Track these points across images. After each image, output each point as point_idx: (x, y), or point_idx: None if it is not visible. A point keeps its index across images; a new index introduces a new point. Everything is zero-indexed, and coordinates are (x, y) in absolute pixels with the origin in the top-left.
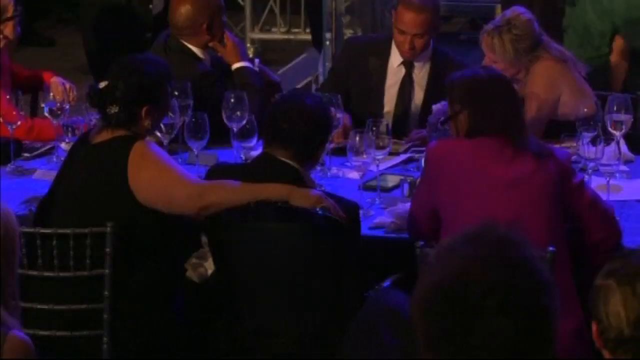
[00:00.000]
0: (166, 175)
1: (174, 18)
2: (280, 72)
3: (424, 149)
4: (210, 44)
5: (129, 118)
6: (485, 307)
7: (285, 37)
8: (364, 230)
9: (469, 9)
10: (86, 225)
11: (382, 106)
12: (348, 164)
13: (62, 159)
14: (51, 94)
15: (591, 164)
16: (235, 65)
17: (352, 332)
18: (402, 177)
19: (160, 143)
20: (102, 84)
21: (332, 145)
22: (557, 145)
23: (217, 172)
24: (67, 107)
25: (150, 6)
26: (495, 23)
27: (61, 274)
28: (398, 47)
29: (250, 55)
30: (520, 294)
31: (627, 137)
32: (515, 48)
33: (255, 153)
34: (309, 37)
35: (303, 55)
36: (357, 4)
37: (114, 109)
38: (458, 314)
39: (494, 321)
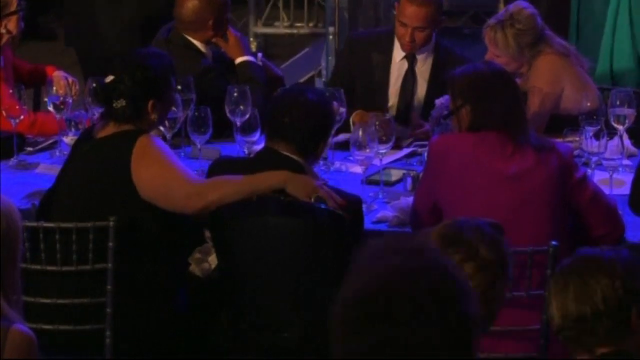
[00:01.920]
0: (167, 173)
1: (181, 12)
2: (283, 66)
3: (426, 143)
4: (214, 40)
5: (136, 112)
6: (407, 316)
7: (288, 31)
8: (367, 225)
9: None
10: (89, 219)
11: (387, 101)
12: (351, 158)
13: (65, 153)
14: (54, 88)
15: (594, 158)
16: (239, 60)
17: None
18: (405, 171)
19: (163, 137)
20: (108, 79)
21: (334, 140)
22: (560, 140)
23: (220, 166)
24: (70, 101)
25: None
26: (498, 17)
27: (64, 268)
28: (399, 39)
29: (253, 50)
30: (442, 302)
31: (630, 131)
32: (518, 42)
33: (258, 147)
34: (311, 31)
35: (306, 50)
36: None
37: (120, 103)
38: (381, 326)
39: (416, 331)
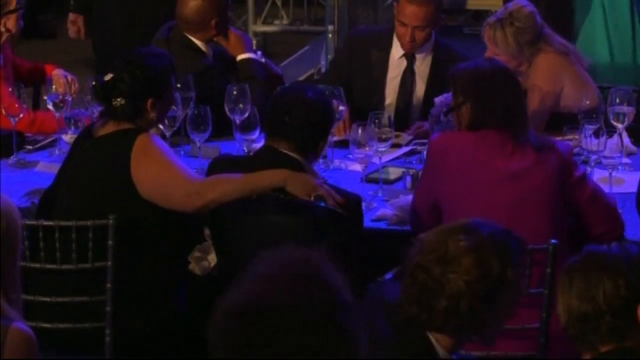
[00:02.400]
0: (166, 171)
1: (183, 12)
2: (282, 64)
3: (426, 141)
4: (215, 39)
5: (135, 111)
6: (282, 325)
7: (288, 29)
8: (367, 223)
9: None
10: (89, 217)
11: (384, 99)
12: (350, 156)
13: (65, 151)
14: (53, 86)
15: (594, 157)
16: (241, 57)
17: None
18: (405, 170)
19: (162, 135)
20: (107, 77)
21: (334, 138)
22: (559, 138)
23: (220, 164)
24: (70, 99)
25: None
26: (497, 16)
27: (63, 267)
28: (399, 39)
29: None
30: (316, 312)
31: (629, 130)
32: (517, 41)
33: (257, 145)
34: (311, 29)
35: (305, 48)
36: None
37: (120, 102)
38: (255, 335)
39: (291, 339)
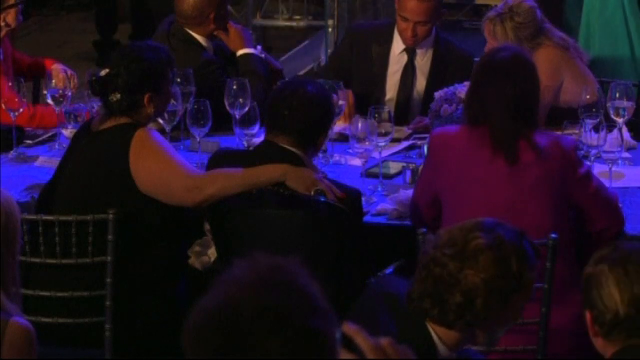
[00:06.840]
0: (165, 166)
1: (181, 7)
2: (282, 59)
3: (426, 136)
4: (215, 33)
5: (132, 105)
6: (255, 329)
7: (288, 23)
8: (366, 217)
9: None
10: (89, 212)
11: (384, 93)
12: (350, 150)
13: (64, 146)
14: (53, 81)
15: (594, 151)
16: (241, 52)
17: (351, 318)
18: (405, 164)
19: (162, 130)
20: (103, 72)
21: (336, 129)
22: (559, 133)
23: (220, 158)
24: (69, 94)
25: None
26: (497, 10)
27: (63, 261)
28: (400, 34)
29: None
30: (290, 316)
31: (629, 124)
32: (517, 35)
33: (257, 140)
34: (311, 23)
35: (305, 42)
36: None
37: (116, 97)
38: (229, 339)
39: (265, 343)
